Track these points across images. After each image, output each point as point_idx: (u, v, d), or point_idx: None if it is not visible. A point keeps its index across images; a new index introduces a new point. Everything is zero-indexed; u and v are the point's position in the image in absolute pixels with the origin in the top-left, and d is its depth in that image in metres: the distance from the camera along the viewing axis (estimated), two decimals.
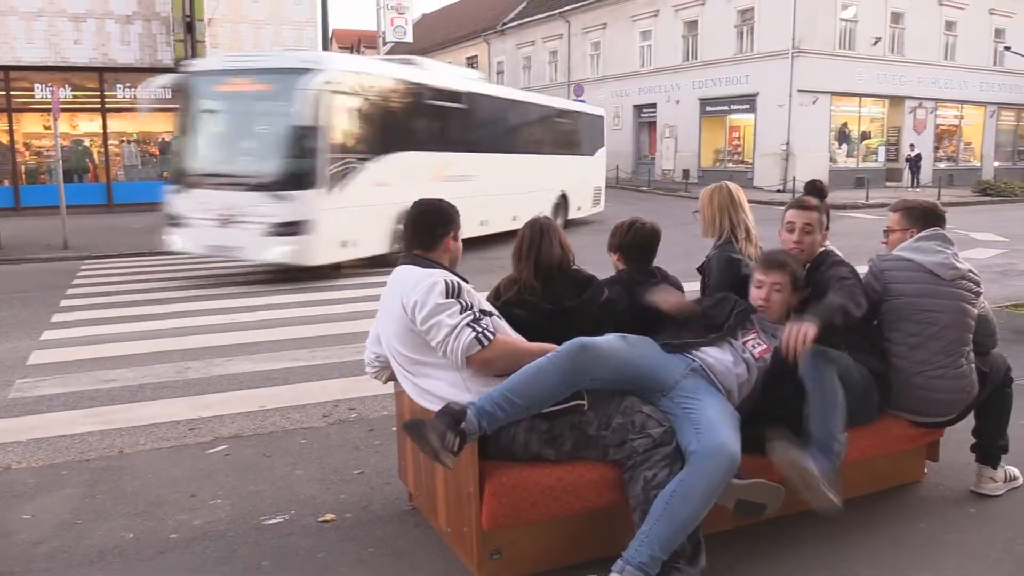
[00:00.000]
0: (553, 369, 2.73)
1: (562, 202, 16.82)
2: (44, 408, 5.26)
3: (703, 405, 2.84)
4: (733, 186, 3.90)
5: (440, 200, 3.19)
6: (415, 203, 3.17)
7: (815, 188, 4.26)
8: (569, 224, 16.49)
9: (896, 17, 29.24)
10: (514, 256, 3.34)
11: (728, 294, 3.43)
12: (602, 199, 19.52)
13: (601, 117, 19.65)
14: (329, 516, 3.43)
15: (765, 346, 3.18)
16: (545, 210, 13.37)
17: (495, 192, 13.85)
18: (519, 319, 3.08)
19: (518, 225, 3.48)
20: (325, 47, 17.27)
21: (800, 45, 26.85)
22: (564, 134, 17.65)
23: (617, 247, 3.62)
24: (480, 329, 2.82)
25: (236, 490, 3.74)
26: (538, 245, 3.27)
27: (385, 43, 32.81)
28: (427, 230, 3.12)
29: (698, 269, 3.90)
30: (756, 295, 3.31)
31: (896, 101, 29.36)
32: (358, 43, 64.32)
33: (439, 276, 2.92)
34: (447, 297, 2.86)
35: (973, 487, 3.57)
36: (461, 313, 2.83)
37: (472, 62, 48.54)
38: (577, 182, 17.54)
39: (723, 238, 3.77)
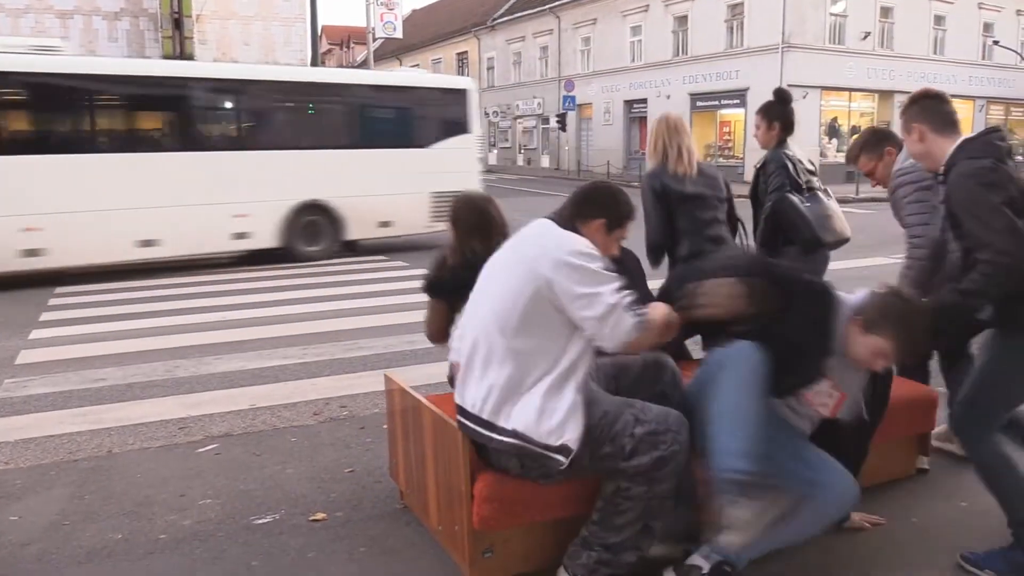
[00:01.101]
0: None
1: (317, 217, 12.07)
2: (32, 408, 5.22)
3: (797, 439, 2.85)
4: (674, 115, 4.23)
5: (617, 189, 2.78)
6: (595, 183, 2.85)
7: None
8: (360, 249, 12.76)
9: (885, 11, 29.32)
10: (451, 228, 3.28)
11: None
12: None
13: (460, 91, 13.57)
14: (320, 515, 3.41)
15: (838, 397, 2.84)
16: (266, 229, 11.46)
17: (169, 204, 10.73)
18: (468, 279, 2.86)
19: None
20: (315, 43, 17.19)
21: (790, 40, 26.90)
22: (340, 118, 12.81)
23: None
24: (641, 315, 2.48)
25: (226, 489, 3.72)
26: (470, 217, 3.24)
27: (375, 39, 32.66)
28: (588, 204, 2.71)
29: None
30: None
31: (886, 95, 29.43)
32: (348, 39, 64.14)
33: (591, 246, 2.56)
34: (606, 270, 2.51)
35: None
36: (618, 292, 2.47)
37: (462, 58, 48.52)
38: (376, 185, 12.30)
39: (658, 162, 4.09)
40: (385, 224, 12.60)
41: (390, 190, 12.38)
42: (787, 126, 4.50)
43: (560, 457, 2.51)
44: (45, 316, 8.18)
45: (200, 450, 4.30)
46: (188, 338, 6.98)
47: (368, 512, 3.45)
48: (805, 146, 5.06)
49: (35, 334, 7.34)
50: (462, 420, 2.67)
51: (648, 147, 4.20)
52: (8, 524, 3.41)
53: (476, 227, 3.23)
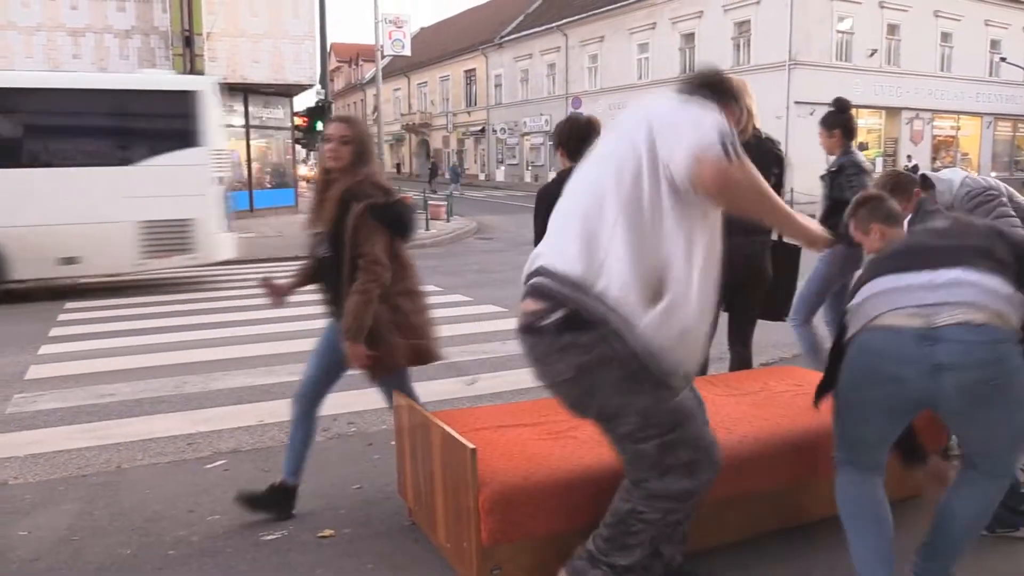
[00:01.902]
0: None
1: None
2: (41, 423, 5.24)
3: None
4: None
5: None
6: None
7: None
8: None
9: (892, 29, 29.42)
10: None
11: None
12: (204, 240, 10.65)
13: (185, 94, 10.69)
14: (328, 532, 3.41)
15: None
16: None
17: None
18: None
19: None
20: (324, 61, 17.32)
21: (797, 57, 27.00)
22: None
23: (557, 143, 3.85)
24: (729, 144, 2.10)
25: (234, 505, 3.72)
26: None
27: (383, 56, 32.92)
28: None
29: None
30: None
31: (893, 112, 29.49)
32: (356, 56, 64.59)
33: None
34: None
35: None
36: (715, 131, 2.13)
37: (470, 75, 48.78)
38: (55, 213, 9.93)
39: None
40: (69, 261, 10.11)
41: (76, 218, 9.99)
42: (847, 132, 4.90)
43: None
44: (54, 331, 8.21)
45: (208, 466, 4.30)
46: (196, 354, 7.00)
47: (376, 529, 3.45)
48: (813, 163, 5.21)
49: (44, 349, 7.37)
50: None
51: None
52: (17, 539, 3.42)
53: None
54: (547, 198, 3.80)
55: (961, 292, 2.29)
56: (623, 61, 34.90)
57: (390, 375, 3.47)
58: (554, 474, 2.77)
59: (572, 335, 2.20)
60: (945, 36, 31.06)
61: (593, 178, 2.28)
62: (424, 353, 3.51)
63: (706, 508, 2.92)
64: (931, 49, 30.60)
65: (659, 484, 2.37)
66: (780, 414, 3.37)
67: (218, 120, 11.12)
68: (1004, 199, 3.80)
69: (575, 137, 3.71)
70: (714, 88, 2.49)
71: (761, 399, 3.60)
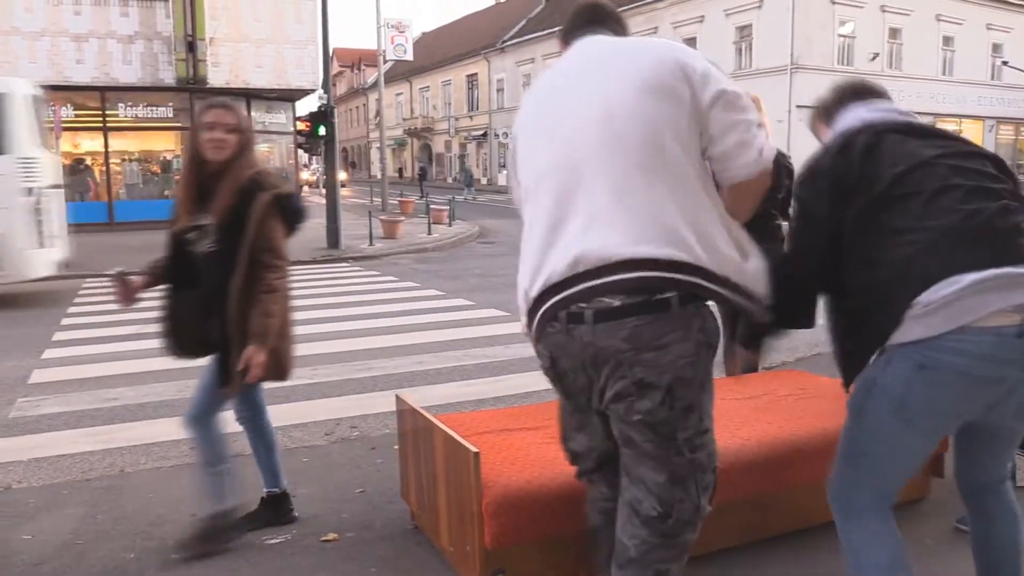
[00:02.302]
0: None
1: None
2: (45, 427, 5.25)
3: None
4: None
5: None
6: None
7: None
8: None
9: (894, 32, 29.46)
10: None
11: None
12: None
13: None
14: (331, 535, 3.41)
15: None
16: None
17: None
18: None
19: None
20: (326, 66, 17.35)
21: (798, 61, 27.02)
22: None
23: None
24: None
25: (237, 509, 3.72)
26: None
27: (385, 61, 32.97)
28: None
29: None
30: None
31: None
32: (359, 61, 64.75)
33: None
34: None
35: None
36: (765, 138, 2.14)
37: (472, 80, 48.85)
38: None
39: None
40: None
41: None
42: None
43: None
44: (58, 336, 8.23)
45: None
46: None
47: (379, 532, 3.45)
48: None
49: (48, 353, 7.38)
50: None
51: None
52: (21, 543, 3.42)
53: None
54: None
55: None
56: None
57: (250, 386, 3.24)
58: (557, 478, 2.77)
59: (694, 306, 2.01)
60: (947, 40, 31.09)
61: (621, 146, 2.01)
62: (290, 364, 3.36)
63: (712, 511, 2.93)
64: (933, 53, 30.64)
65: (698, 502, 2.14)
66: (783, 418, 3.37)
67: (32, 125, 10.14)
68: None
69: None
70: None
71: (764, 403, 3.60)
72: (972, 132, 32.62)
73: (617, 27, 2.33)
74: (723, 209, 2.09)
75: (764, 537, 3.21)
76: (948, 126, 32.26)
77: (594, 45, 2.21)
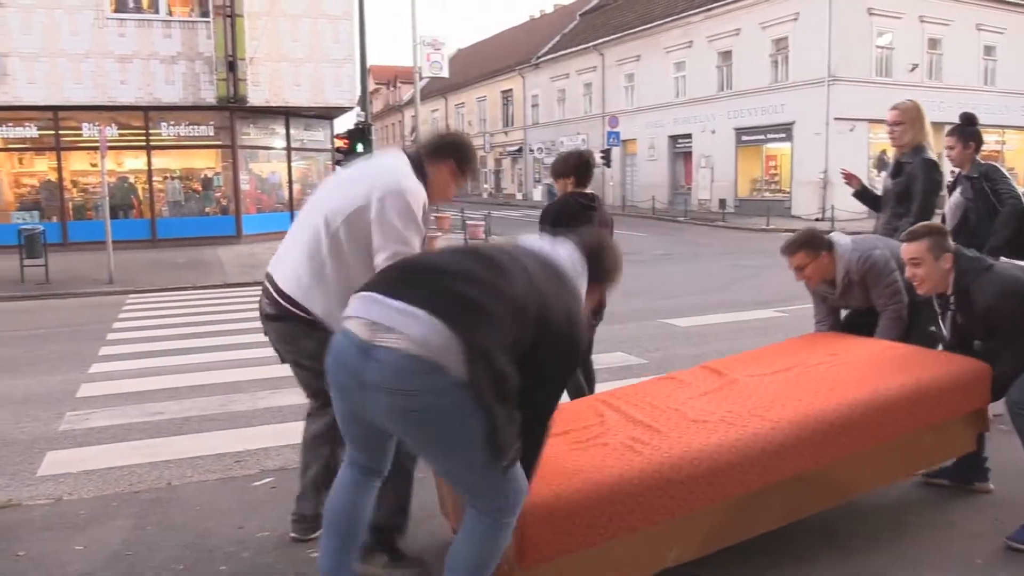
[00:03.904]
0: None
1: None
2: (94, 440, 5.36)
3: None
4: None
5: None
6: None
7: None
8: None
9: (933, 43, 29.08)
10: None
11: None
12: None
13: None
14: None
15: None
16: None
17: None
18: None
19: None
20: (363, 84, 17.57)
21: (836, 73, 26.78)
22: None
23: (563, 173, 4.74)
24: None
25: (283, 523, 3.76)
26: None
27: (421, 78, 33.25)
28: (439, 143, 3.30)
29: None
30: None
31: (935, 127, 28.94)
32: (395, 79, 65.34)
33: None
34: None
35: None
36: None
37: (507, 96, 49.07)
38: None
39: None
40: None
41: None
42: (979, 144, 5.17)
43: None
44: (104, 350, 8.40)
45: (256, 483, 4.36)
46: (242, 373, 7.11)
47: (422, 547, 3.46)
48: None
49: (95, 368, 7.54)
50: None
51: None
52: (73, 553, 3.50)
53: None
54: (564, 212, 4.68)
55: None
56: (659, 80, 34.89)
57: None
58: (583, 488, 2.73)
59: None
60: (988, 50, 30.61)
61: None
62: None
63: (752, 497, 2.93)
64: (974, 63, 30.18)
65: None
66: (813, 391, 3.33)
67: None
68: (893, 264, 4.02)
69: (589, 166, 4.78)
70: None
71: (794, 376, 3.57)
72: (1015, 142, 32.02)
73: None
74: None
75: (807, 515, 3.20)
76: (991, 137, 31.69)
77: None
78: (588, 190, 4.78)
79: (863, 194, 5.30)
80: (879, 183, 22.32)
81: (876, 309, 4.12)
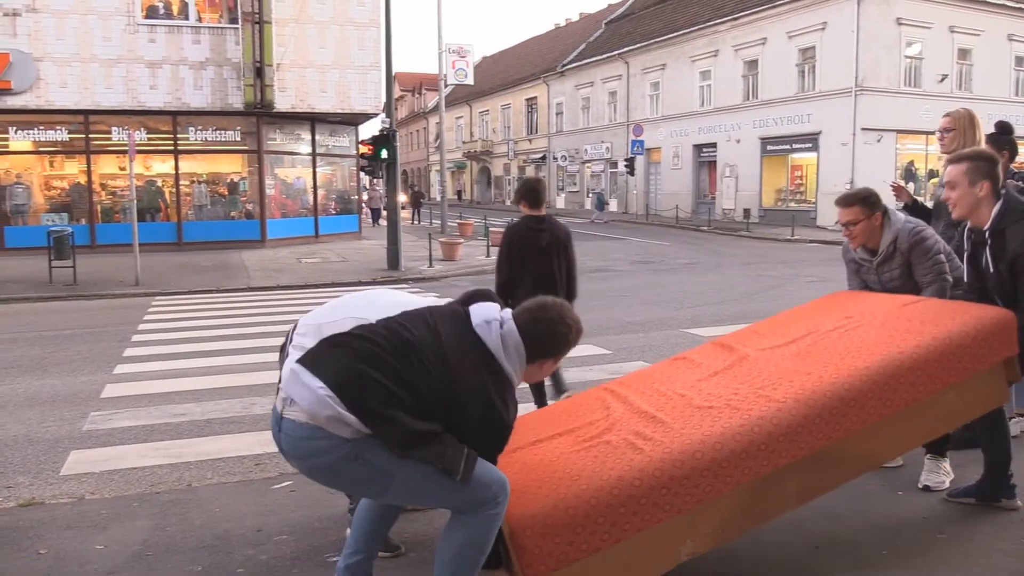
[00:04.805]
0: None
1: None
2: (117, 440, 5.41)
3: None
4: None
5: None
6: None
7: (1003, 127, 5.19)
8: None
9: (963, 53, 28.77)
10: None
11: None
12: None
13: None
14: (394, 552, 3.43)
15: None
16: None
17: None
18: None
19: None
20: (389, 90, 17.65)
21: (863, 83, 26.56)
22: None
23: (519, 198, 5.32)
24: None
25: (301, 526, 3.78)
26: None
27: (447, 85, 33.39)
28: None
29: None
30: None
31: None
32: (420, 85, 65.74)
33: None
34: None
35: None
36: None
37: (532, 103, 49.15)
38: None
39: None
40: None
41: None
42: (1014, 153, 5.14)
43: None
44: (129, 352, 8.48)
45: (275, 486, 4.38)
46: (263, 376, 7.13)
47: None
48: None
49: (119, 369, 7.61)
50: None
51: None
52: (95, 552, 3.52)
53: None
54: (515, 238, 5.28)
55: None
56: (685, 89, 34.79)
57: None
58: (583, 494, 2.69)
59: None
60: (1019, 60, 30.25)
61: None
62: None
63: (763, 483, 2.88)
64: (1005, 74, 29.81)
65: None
66: (824, 362, 3.25)
67: None
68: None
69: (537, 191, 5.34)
70: None
71: (806, 347, 3.49)
72: None
73: None
74: None
75: (824, 493, 3.14)
76: (1023, 148, 31.30)
77: None
78: (542, 212, 5.36)
79: (913, 207, 5.19)
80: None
81: (918, 284, 4.02)
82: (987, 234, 3.52)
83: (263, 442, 5.27)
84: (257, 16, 19.74)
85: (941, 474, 3.93)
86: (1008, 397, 3.60)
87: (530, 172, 50.53)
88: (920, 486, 3.91)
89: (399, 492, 2.57)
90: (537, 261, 5.22)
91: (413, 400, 2.44)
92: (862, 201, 4.01)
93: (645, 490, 2.72)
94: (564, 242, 5.30)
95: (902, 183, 5.31)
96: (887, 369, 3.13)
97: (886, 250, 4.01)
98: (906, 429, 3.25)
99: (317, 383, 2.40)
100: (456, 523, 2.60)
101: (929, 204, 5.28)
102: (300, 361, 2.49)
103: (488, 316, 2.63)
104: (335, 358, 2.47)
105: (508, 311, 2.71)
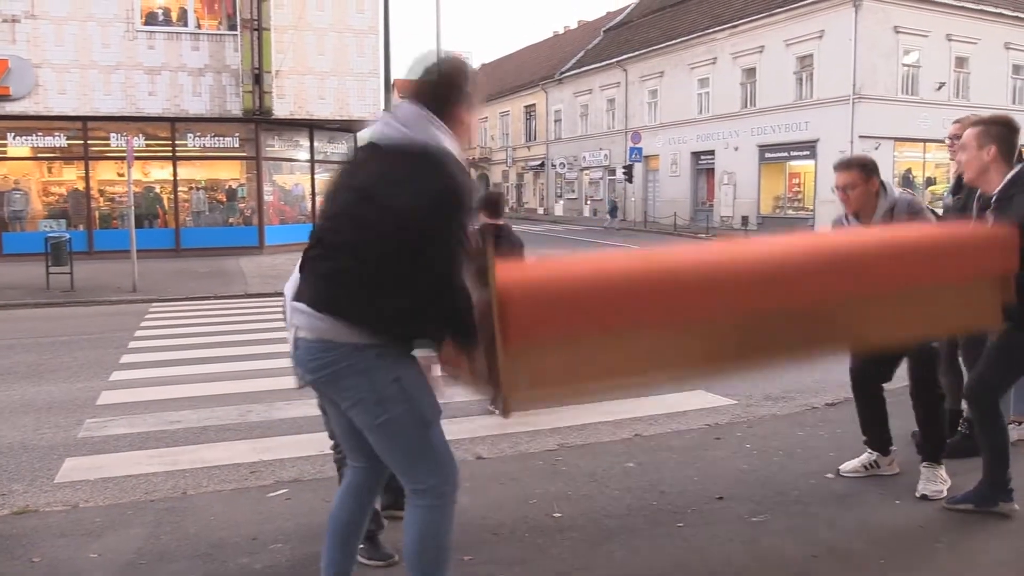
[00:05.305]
0: None
1: None
2: (112, 448, 5.39)
3: None
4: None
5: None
6: None
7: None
8: None
9: (961, 62, 28.87)
10: None
11: None
12: None
13: None
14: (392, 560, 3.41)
15: None
16: None
17: None
18: None
19: None
20: (387, 97, 17.68)
21: (861, 91, 26.63)
22: None
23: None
24: None
25: (296, 534, 3.76)
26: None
27: None
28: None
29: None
30: None
31: None
32: None
33: None
34: None
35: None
36: None
37: (530, 110, 49.23)
38: None
39: None
40: None
41: None
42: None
43: None
44: (125, 358, 8.46)
45: (271, 494, 4.35)
46: (260, 383, 7.12)
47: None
48: None
49: (115, 376, 7.59)
50: None
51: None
52: (88, 561, 3.50)
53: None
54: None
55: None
56: (683, 96, 34.86)
57: None
58: (579, 274, 2.76)
59: None
60: (1017, 68, 30.35)
61: None
62: None
63: (746, 325, 2.91)
64: (1002, 82, 29.90)
65: None
66: (828, 242, 3.56)
67: None
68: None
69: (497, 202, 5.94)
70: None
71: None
72: None
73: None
74: None
75: (816, 357, 3.47)
76: None
77: None
78: (501, 222, 5.79)
79: None
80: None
81: None
82: (993, 200, 3.49)
83: (259, 450, 5.26)
84: (256, 23, 19.76)
85: (938, 483, 3.92)
86: (1001, 323, 3.50)
87: (529, 179, 50.62)
88: (918, 495, 3.89)
89: (384, 431, 2.54)
90: None
91: (375, 262, 2.43)
92: (861, 166, 4.00)
93: (640, 286, 2.71)
94: (518, 252, 5.72)
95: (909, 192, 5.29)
96: (890, 245, 3.24)
97: (882, 218, 3.97)
98: (903, 314, 3.26)
99: (304, 307, 2.59)
100: (413, 520, 2.58)
101: (939, 211, 5.26)
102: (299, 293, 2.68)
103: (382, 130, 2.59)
104: (307, 282, 2.65)
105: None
